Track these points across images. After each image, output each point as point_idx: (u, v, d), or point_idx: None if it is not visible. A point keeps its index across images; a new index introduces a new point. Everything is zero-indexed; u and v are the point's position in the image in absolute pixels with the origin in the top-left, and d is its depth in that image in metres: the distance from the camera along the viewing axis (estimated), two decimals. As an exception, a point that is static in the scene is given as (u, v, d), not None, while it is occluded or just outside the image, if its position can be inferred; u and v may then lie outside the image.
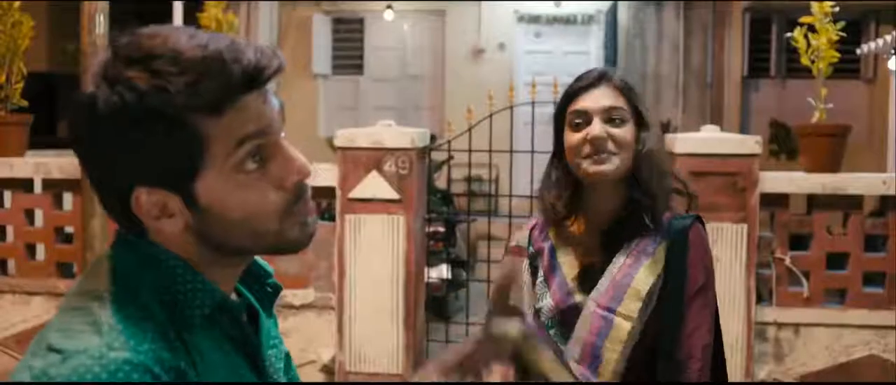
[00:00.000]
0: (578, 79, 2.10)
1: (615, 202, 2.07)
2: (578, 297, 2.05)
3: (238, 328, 1.15)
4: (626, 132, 2.03)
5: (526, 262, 2.17)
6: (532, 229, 2.23)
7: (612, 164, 2.01)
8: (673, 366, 1.99)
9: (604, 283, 2.03)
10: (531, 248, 2.20)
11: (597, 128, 2.01)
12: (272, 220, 1.09)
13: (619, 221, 2.06)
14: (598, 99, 2.04)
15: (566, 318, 2.06)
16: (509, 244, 2.30)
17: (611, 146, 2.01)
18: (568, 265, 2.11)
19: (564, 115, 2.09)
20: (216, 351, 1.09)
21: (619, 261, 2.04)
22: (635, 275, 2.01)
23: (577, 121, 2.05)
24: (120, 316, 1.01)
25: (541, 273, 2.15)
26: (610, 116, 2.03)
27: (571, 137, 2.05)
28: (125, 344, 0.98)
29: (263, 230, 1.10)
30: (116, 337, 0.98)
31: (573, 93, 2.08)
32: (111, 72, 1.03)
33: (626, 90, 2.07)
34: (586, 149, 2.02)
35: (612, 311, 2.00)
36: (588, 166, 2.02)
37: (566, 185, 2.11)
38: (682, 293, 2.01)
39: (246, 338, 1.16)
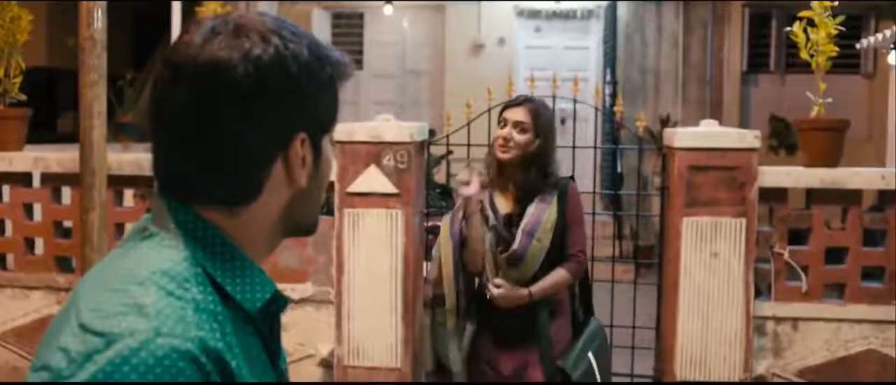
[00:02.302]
0: (513, 100, 3.64)
1: (517, 173, 3.55)
2: (507, 233, 3.56)
3: (270, 324, 1.15)
4: (523, 137, 3.48)
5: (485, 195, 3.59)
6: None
7: (509, 154, 3.50)
8: (570, 256, 3.59)
9: (526, 218, 3.54)
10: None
11: (505, 131, 3.49)
12: (322, 196, 1.22)
13: (527, 185, 3.55)
14: (513, 114, 3.53)
15: (505, 240, 3.56)
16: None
17: (511, 144, 3.49)
18: (502, 207, 3.62)
19: (499, 119, 3.58)
20: (249, 345, 1.08)
21: (532, 207, 3.54)
22: (543, 216, 3.52)
23: (501, 124, 3.54)
24: (168, 300, 0.98)
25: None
26: (519, 127, 3.49)
27: (496, 132, 3.56)
28: (173, 330, 0.95)
29: (318, 204, 1.21)
30: (164, 322, 0.95)
31: (506, 106, 3.60)
32: (252, 37, 1.07)
33: (535, 112, 3.53)
34: (499, 141, 3.51)
35: (531, 235, 3.52)
36: (497, 152, 3.53)
37: (494, 161, 3.58)
38: (570, 219, 3.57)
39: (274, 335, 1.17)
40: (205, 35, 1.08)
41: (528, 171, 3.54)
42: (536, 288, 3.56)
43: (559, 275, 3.58)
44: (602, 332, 3.83)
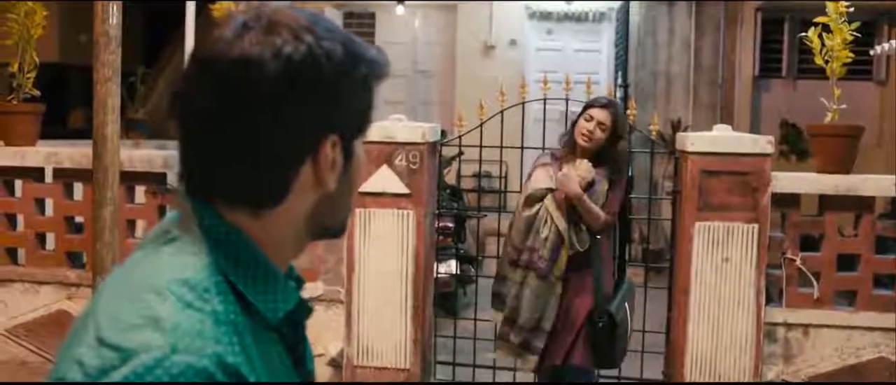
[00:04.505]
0: (597, 99, 4.42)
1: (589, 153, 4.33)
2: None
3: (295, 330, 1.13)
4: (602, 134, 4.28)
5: (551, 170, 4.38)
6: (547, 163, 4.45)
7: (589, 144, 4.30)
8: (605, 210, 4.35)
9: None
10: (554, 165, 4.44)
11: (592, 127, 4.28)
12: (352, 199, 1.19)
13: (594, 160, 4.32)
14: (599, 114, 4.29)
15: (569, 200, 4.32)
16: (540, 162, 4.49)
17: (593, 137, 4.29)
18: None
19: (584, 112, 4.35)
20: (271, 354, 1.06)
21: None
22: (599, 184, 4.29)
23: (587, 118, 4.31)
24: (185, 312, 0.96)
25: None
26: (602, 127, 4.28)
27: (582, 123, 4.32)
28: (189, 345, 0.92)
29: (347, 207, 1.18)
30: (180, 337, 0.93)
31: (591, 104, 4.36)
32: (283, 34, 1.03)
33: (616, 114, 4.32)
34: (584, 132, 4.30)
35: (589, 196, 4.28)
36: (580, 140, 4.32)
37: (571, 141, 4.39)
38: (611, 194, 4.36)
39: (299, 339, 1.15)
40: (236, 30, 1.04)
41: (597, 153, 4.34)
42: (586, 199, 4.28)
43: (600, 212, 4.31)
44: (632, 289, 4.57)
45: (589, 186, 4.32)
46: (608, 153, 4.34)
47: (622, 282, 4.55)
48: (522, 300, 4.41)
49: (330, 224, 1.16)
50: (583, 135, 4.29)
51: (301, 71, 1.03)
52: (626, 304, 4.43)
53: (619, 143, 4.35)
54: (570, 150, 4.41)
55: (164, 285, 0.98)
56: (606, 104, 4.36)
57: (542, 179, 4.39)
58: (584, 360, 4.39)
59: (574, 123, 4.40)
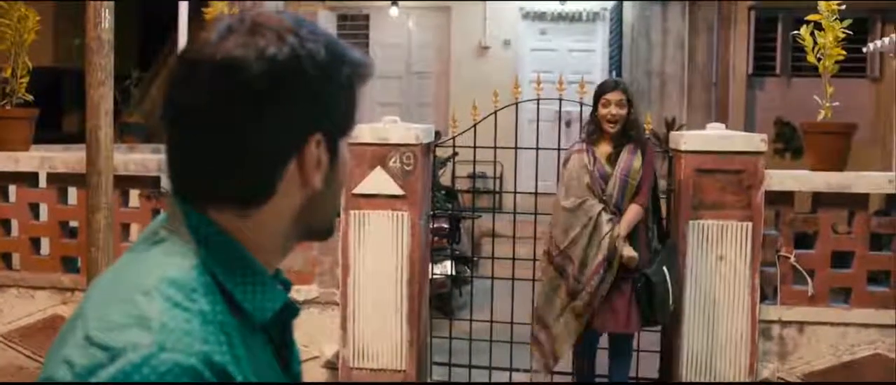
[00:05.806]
0: (605, 85, 4.78)
1: (615, 134, 4.64)
2: (608, 169, 4.64)
3: (282, 332, 1.15)
4: (622, 111, 4.63)
5: (584, 156, 4.67)
6: (581, 148, 4.72)
7: (615, 126, 4.63)
8: (640, 191, 4.60)
9: (619, 163, 4.62)
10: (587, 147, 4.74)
11: (613, 109, 4.62)
12: (339, 199, 1.19)
13: (620, 141, 4.66)
14: (614, 97, 4.64)
15: (603, 178, 4.63)
16: (574, 148, 4.77)
17: (618, 118, 4.61)
18: (600, 156, 4.67)
19: (598, 100, 4.68)
20: (259, 354, 1.07)
21: (624, 155, 4.63)
22: (633, 162, 4.62)
23: (604, 105, 4.64)
24: (173, 312, 0.96)
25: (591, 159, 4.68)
26: (618, 104, 4.61)
27: (602, 111, 4.65)
28: (176, 344, 0.93)
29: (333, 207, 1.19)
30: (167, 336, 0.93)
31: (602, 92, 4.69)
32: (267, 36, 1.05)
33: (625, 91, 4.70)
34: (609, 118, 4.61)
35: (627, 176, 4.60)
36: (606, 125, 4.64)
37: (597, 125, 4.69)
38: (645, 169, 4.61)
39: (286, 340, 1.16)
40: (221, 33, 1.05)
41: (624, 130, 4.65)
42: (623, 229, 4.59)
43: (634, 210, 4.61)
44: (675, 251, 4.79)
45: (614, 157, 4.64)
46: (629, 125, 4.65)
47: (662, 248, 4.72)
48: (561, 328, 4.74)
49: (317, 224, 1.17)
50: (609, 121, 4.62)
51: (284, 71, 1.04)
52: (665, 267, 4.61)
53: (632, 111, 4.68)
54: (599, 135, 4.69)
55: (151, 285, 0.99)
56: (615, 86, 4.73)
57: (577, 166, 4.66)
58: (632, 326, 4.70)
59: (593, 114, 4.73)
